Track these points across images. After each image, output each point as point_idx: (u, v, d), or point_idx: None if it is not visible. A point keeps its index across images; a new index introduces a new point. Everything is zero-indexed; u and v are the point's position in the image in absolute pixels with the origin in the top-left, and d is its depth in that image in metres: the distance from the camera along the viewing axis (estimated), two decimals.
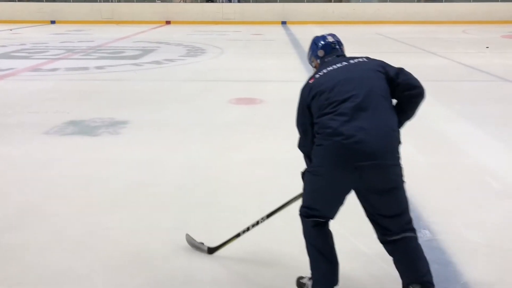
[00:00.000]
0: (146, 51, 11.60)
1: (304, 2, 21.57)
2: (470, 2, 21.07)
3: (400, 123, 2.16)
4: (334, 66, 2.22)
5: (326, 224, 2.15)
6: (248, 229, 2.59)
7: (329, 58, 2.35)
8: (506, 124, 5.24)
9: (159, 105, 6.16)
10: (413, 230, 2.09)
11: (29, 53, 11.20)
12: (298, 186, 3.48)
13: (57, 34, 16.39)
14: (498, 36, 15.48)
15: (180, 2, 23.07)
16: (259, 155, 4.26)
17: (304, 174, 2.25)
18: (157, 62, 9.77)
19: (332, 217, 2.14)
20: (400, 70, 2.16)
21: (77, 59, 10.41)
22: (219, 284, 2.40)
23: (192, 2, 22.93)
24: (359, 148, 1.92)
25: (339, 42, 2.45)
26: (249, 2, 22.03)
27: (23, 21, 20.88)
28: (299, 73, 8.67)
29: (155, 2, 22.12)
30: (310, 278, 2.20)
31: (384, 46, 13.12)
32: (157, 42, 13.64)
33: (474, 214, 3.16)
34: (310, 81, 2.22)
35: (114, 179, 3.72)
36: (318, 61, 2.41)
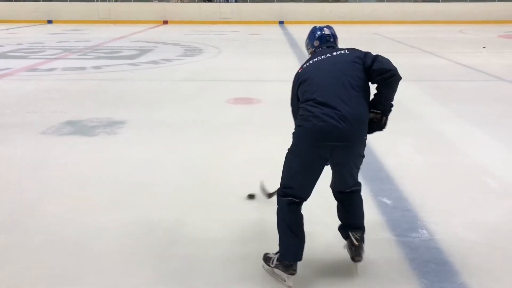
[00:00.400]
0: (143, 51, 11.58)
1: (302, 1, 21.56)
2: (467, 2, 21.11)
3: (381, 104, 2.44)
4: (319, 57, 2.47)
5: (299, 204, 2.38)
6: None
7: (320, 49, 2.59)
8: (505, 124, 5.24)
9: (157, 105, 6.15)
10: (360, 184, 2.54)
11: (26, 53, 11.17)
12: None
13: (53, 34, 16.35)
14: (495, 36, 15.52)
15: (177, 1, 23.03)
16: (258, 155, 4.25)
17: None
18: (155, 62, 9.75)
19: (305, 198, 2.39)
20: (375, 58, 2.38)
21: (74, 59, 10.38)
22: (217, 284, 2.39)
23: (189, 1, 22.89)
24: (334, 131, 2.19)
25: (334, 35, 2.67)
26: (247, 1, 22.02)
27: (20, 20, 20.82)
28: None
29: (152, 1, 22.08)
30: (276, 253, 2.40)
31: (381, 46, 13.12)
32: (154, 42, 13.62)
33: (472, 214, 3.16)
34: (299, 71, 2.49)
35: (112, 179, 3.71)
36: (313, 49, 2.65)
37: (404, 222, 3.00)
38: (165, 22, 21.41)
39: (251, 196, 3.33)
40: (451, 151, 4.43)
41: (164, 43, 13.38)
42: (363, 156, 2.41)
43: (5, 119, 5.48)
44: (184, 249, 2.71)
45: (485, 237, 2.84)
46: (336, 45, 2.65)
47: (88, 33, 16.59)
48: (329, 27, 2.69)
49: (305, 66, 2.49)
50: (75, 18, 20.90)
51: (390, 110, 2.49)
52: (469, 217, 3.10)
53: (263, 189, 3.24)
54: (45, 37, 15.26)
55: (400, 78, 2.39)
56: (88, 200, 3.34)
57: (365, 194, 3.37)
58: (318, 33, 2.64)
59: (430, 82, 7.84)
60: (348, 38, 14.96)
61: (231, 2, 22.42)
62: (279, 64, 9.67)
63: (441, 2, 21.35)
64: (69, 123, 5.23)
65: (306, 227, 2.38)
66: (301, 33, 15.75)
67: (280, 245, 2.37)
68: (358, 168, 2.46)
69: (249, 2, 21.97)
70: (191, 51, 11.66)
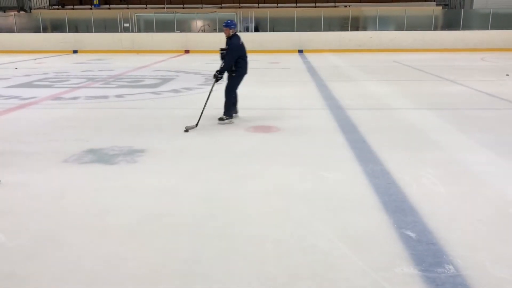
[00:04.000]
0: (165, 80, 11.78)
1: (321, 30, 21.79)
2: (488, 30, 21.04)
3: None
4: (242, 41, 6.65)
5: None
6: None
7: (236, 33, 6.68)
8: None
9: (176, 133, 6.19)
10: None
11: (51, 82, 11.48)
12: (314, 217, 3.42)
13: (78, 63, 16.82)
14: None
15: (199, 31, 23.54)
16: (276, 185, 4.21)
17: (217, 75, 6.60)
18: (176, 91, 9.90)
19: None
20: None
21: (97, 87, 10.61)
22: None
23: (210, 31, 23.37)
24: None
25: None
26: (266, 31, 22.37)
27: (47, 51, 21.56)
28: (316, 101, 8.67)
29: (174, 32, 22.62)
30: (224, 115, 6.68)
31: (402, 74, 13.09)
32: (175, 71, 13.87)
33: (499, 248, 3.04)
34: (240, 43, 6.63)
35: (131, 208, 3.70)
36: (234, 31, 6.64)
37: (429, 256, 2.90)
38: (187, 51, 21.87)
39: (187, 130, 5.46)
40: (476, 182, 4.31)
41: (185, 72, 13.61)
42: None
43: (29, 147, 5.58)
44: (202, 284, 2.66)
45: None
46: None
47: (111, 62, 17.02)
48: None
49: (240, 43, 6.61)
50: (99, 48, 21.54)
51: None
52: (496, 252, 2.98)
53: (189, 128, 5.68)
54: (70, 66, 15.70)
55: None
56: (107, 229, 3.33)
57: (388, 226, 3.30)
58: (235, 23, 6.67)
59: (452, 110, 7.73)
60: (368, 66, 14.99)
61: (251, 31, 22.81)
62: (298, 92, 9.70)
63: (462, 30, 21.33)
64: (91, 151, 5.29)
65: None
66: (320, 61, 15.99)
67: (226, 112, 6.74)
68: None
69: (269, 31, 22.32)
70: (212, 79, 11.76)
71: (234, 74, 6.67)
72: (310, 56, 19.13)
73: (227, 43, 6.63)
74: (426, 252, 2.95)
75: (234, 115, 6.97)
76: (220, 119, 6.75)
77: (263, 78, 12.23)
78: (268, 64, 16.25)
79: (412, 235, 3.19)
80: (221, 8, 23.86)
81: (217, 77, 6.58)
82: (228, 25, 6.61)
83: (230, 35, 6.62)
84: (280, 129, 6.32)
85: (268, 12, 22.51)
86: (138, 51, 21.44)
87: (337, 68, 14.63)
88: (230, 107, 6.80)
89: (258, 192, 4.03)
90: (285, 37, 21.66)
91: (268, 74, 13.29)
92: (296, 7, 23.56)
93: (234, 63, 6.53)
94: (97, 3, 24.74)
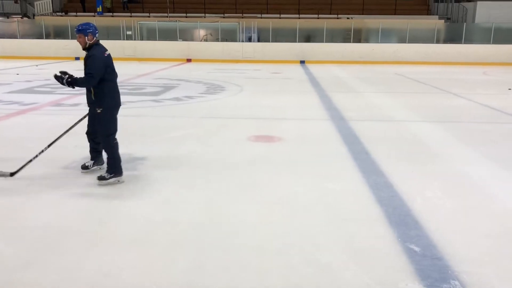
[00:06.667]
0: (166, 88, 11.76)
1: (323, 42, 21.84)
2: (490, 43, 21.08)
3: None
4: (107, 52, 4.31)
5: None
6: (42, 151, 4.55)
7: (98, 41, 4.35)
8: None
9: (177, 142, 6.14)
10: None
11: (52, 88, 11.45)
12: (314, 228, 3.36)
13: (80, 70, 16.73)
14: None
15: (201, 41, 23.60)
16: (278, 194, 4.15)
17: (70, 82, 4.27)
18: (177, 99, 9.87)
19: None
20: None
21: None
22: None
23: (213, 41, 23.43)
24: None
25: None
26: (269, 41, 22.43)
27: (49, 57, 21.58)
28: (317, 111, 8.64)
29: (176, 40, 22.68)
30: (111, 174, 4.38)
31: (404, 86, 13.08)
32: (177, 79, 13.86)
33: (506, 263, 2.97)
34: (106, 54, 4.28)
35: (131, 217, 3.64)
36: (96, 39, 4.30)
37: (435, 271, 2.83)
38: (189, 60, 21.89)
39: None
40: (480, 195, 4.25)
41: (187, 81, 13.60)
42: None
43: (29, 153, 5.52)
44: None
45: None
46: None
47: None
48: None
49: (106, 54, 4.28)
50: None
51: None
52: (502, 266, 2.92)
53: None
54: (72, 73, 15.60)
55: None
56: (106, 237, 3.27)
57: (392, 240, 3.23)
58: (95, 28, 4.29)
59: (455, 123, 7.69)
60: (370, 77, 14.99)
61: (253, 41, 22.86)
62: (300, 102, 9.67)
63: (464, 43, 21.38)
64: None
65: None
66: (322, 72, 16.03)
67: (115, 169, 4.39)
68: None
69: (271, 41, 22.37)
70: (213, 88, 11.79)
71: (99, 109, 4.31)
72: (312, 67, 19.14)
73: (85, 58, 4.32)
74: (432, 267, 2.88)
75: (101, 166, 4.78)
76: (101, 178, 4.37)
77: (265, 88, 12.21)
78: (270, 74, 16.25)
79: (417, 249, 3.13)
80: (224, 17, 23.94)
81: (60, 78, 4.31)
82: (81, 31, 4.22)
83: (88, 45, 4.28)
84: (282, 139, 6.27)
85: (270, 22, 22.58)
86: (140, 59, 21.47)
87: (339, 79, 14.62)
88: (116, 160, 4.41)
89: (260, 202, 3.96)
90: (287, 47, 21.69)
91: (270, 84, 13.27)
92: (299, 18, 23.63)
93: (94, 85, 4.24)
94: (100, 10, 24.83)
